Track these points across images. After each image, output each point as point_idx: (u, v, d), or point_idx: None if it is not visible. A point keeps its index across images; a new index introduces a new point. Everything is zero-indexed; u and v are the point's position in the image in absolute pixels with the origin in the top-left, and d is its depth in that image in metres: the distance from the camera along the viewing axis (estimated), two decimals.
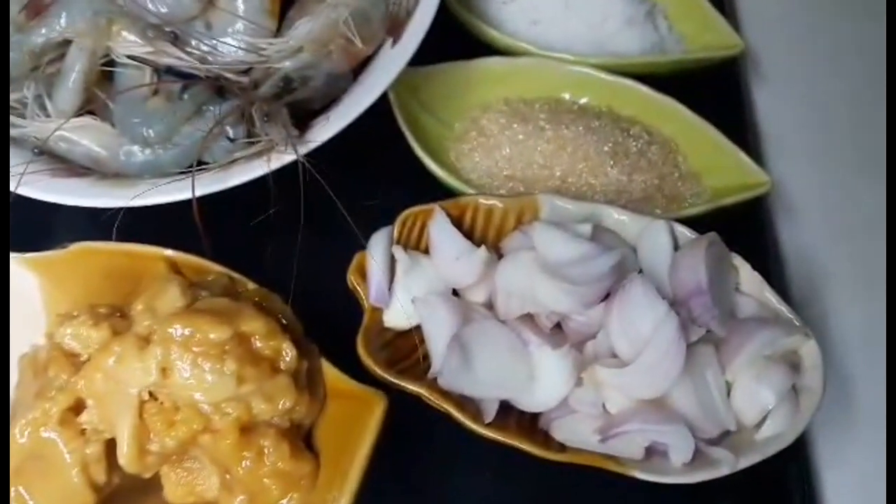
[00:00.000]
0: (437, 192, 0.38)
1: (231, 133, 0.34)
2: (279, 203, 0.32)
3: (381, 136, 0.39)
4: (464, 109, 0.42)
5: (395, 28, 0.36)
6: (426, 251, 0.35)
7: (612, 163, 0.38)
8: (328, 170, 0.33)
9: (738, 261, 0.34)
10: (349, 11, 0.35)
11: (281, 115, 0.33)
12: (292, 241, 0.33)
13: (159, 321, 0.29)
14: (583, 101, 0.42)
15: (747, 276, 0.34)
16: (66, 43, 0.35)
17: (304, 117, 0.36)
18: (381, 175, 0.40)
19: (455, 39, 0.42)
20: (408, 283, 0.34)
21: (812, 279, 0.38)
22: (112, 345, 0.29)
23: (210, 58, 0.35)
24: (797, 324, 0.32)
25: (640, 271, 0.33)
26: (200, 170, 0.33)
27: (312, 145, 0.33)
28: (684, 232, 0.34)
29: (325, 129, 0.33)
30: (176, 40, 0.35)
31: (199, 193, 0.32)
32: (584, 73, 0.41)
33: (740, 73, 0.43)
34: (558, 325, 0.32)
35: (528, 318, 0.32)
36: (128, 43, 0.35)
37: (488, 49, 0.43)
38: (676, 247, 0.34)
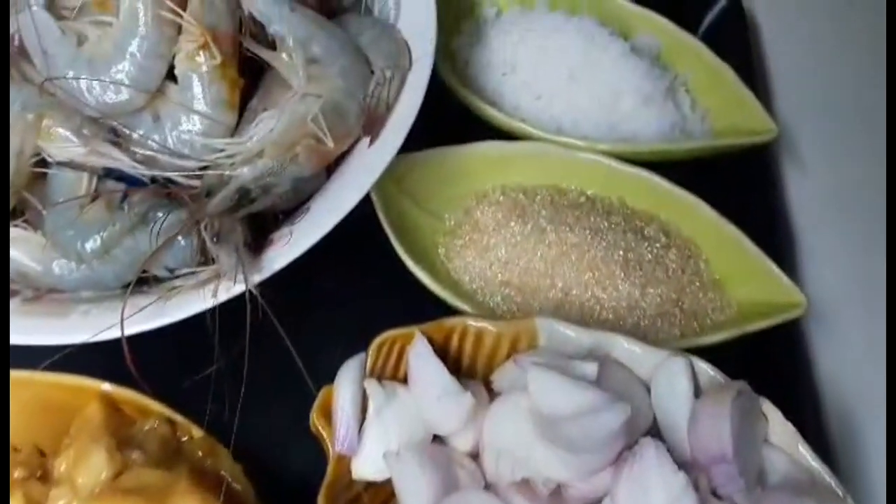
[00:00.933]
0: (423, 298, 0.33)
1: (184, 245, 0.30)
2: (227, 336, 0.28)
3: (359, 231, 0.34)
4: (456, 198, 0.37)
5: (372, 124, 0.31)
6: (405, 380, 0.31)
7: (623, 275, 0.33)
8: (290, 280, 0.28)
9: (769, 407, 0.29)
10: (320, 105, 0.30)
11: (234, 236, 0.28)
12: (245, 377, 0.28)
13: (79, 501, 0.24)
14: (591, 191, 0.37)
15: (779, 428, 0.28)
16: None
17: (267, 221, 0.31)
18: (356, 278, 0.35)
19: (448, 113, 0.37)
20: (382, 423, 0.29)
21: (853, 414, 0.33)
22: None
23: (158, 158, 0.30)
24: (838, 492, 0.27)
25: (654, 425, 0.28)
26: (137, 293, 0.29)
27: (266, 273, 0.28)
28: (706, 370, 0.29)
29: (283, 253, 0.28)
30: (117, 138, 0.30)
31: (130, 332, 0.27)
32: (592, 162, 0.36)
33: (772, 158, 0.38)
34: (557, 490, 0.27)
35: (523, 484, 0.27)
36: (61, 142, 0.30)
37: (485, 125, 0.38)
38: (697, 389, 0.29)
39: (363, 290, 0.34)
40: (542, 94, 0.38)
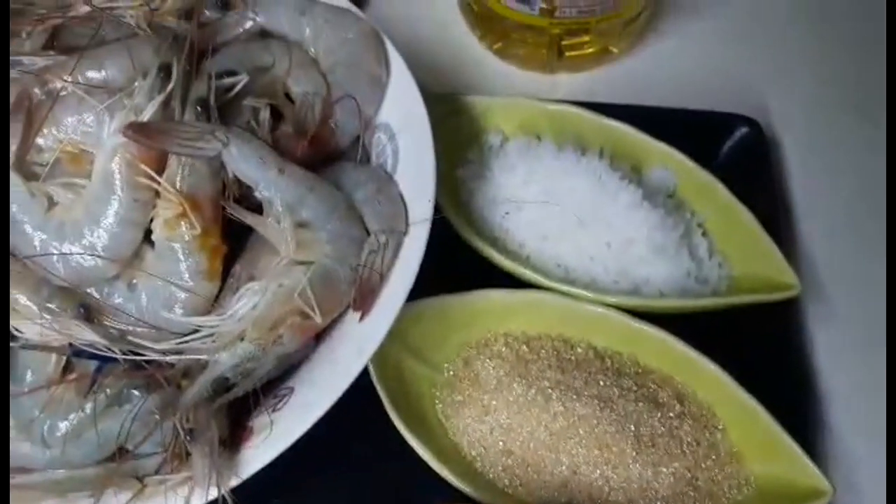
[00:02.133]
0: (418, 466, 0.31)
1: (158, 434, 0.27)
2: None
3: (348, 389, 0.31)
4: (456, 346, 0.35)
5: (364, 296, 0.29)
6: None
7: (634, 453, 0.30)
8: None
9: None
10: (309, 275, 0.28)
11: (208, 434, 0.26)
12: None
13: None
14: (600, 345, 0.34)
15: None
16: None
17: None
18: (344, 443, 0.32)
19: (450, 247, 0.35)
20: None
21: None
22: None
23: (131, 332, 0.28)
24: None
25: None
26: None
27: (243, 476, 0.26)
28: None
29: (261, 452, 0.26)
30: (88, 313, 0.28)
31: None
32: (601, 315, 0.33)
33: (797, 309, 0.35)
34: None
35: None
36: (27, 317, 0.28)
37: (488, 268, 0.35)
38: None
39: (353, 459, 0.32)
40: (548, 234, 0.36)
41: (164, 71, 0.29)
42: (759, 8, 0.47)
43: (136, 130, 0.27)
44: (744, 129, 0.40)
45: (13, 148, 0.29)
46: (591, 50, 0.44)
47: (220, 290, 0.29)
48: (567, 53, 0.44)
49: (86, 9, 0.34)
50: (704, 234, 0.36)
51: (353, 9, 0.35)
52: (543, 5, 0.41)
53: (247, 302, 0.28)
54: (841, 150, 0.42)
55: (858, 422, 0.34)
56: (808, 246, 0.38)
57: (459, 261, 0.35)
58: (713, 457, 0.32)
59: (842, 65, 0.45)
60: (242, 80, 0.31)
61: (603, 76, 0.45)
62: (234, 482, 0.25)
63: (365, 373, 0.31)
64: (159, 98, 0.28)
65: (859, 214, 0.39)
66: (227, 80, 0.30)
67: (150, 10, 0.34)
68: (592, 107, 0.39)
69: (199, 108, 0.29)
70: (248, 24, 0.35)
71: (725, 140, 0.40)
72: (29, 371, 0.28)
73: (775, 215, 0.37)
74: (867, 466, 0.32)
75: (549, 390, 0.32)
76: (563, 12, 0.41)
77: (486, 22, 0.45)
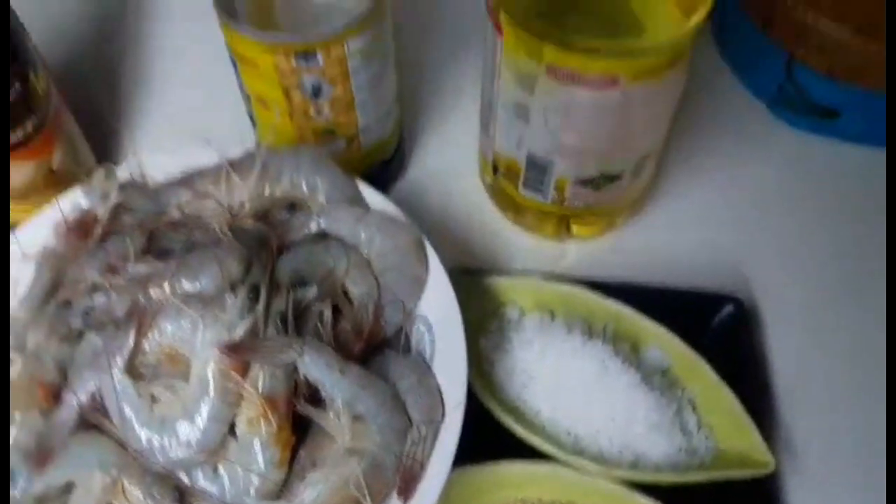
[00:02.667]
0: None
1: None
2: None
3: None
4: None
5: (406, 484, 0.35)
6: None
7: None
8: None
9: None
10: (363, 465, 0.34)
11: None
12: None
13: None
14: None
15: None
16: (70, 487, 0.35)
17: None
18: None
19: (471, 415, 0.41)
20: None
21: None
22: None
23: None
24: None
25: None
26: None
27: None
28: None
29: None
30: (181, 498, 0.34)
31: None
32: (608, 488, 0.39)
33: (776, 483, 0.41)
34: None
35: None
36: (132, 500, 0.34)
37: (505, 435, 0.41)
38: None
39: None
40: (559, 407, 0.42)
41: (252, 291, 0.35)
42: (746, 189, 0.54)
43: (230, 350, 0.33)
44: (729, 308, 0.46)
45: (125, 353, 0.35)
46: (595, 226, 0.51)
47: (289, 475, 0.35)
48: (574, 227, 0.51)
49: (178, 215, 0.42)
50: (694, 409, 0.42)
51: (402, 217, 0.42)
52: (554, 196, 0.48)
53: (311, 492, 0.34)
54: (822, 327, 0.48)
55: None
56: (787, 420, 0.44)
57: (482, 427, 0.41)
58: None
59: (825, 245, 0.51)
60: (312, 292, 0.37)
61: (606, 246, 0.52)
62: None
63: None
64: (249, 320, 0.34)
65: (837, 386, 0.45)
66: (300, 293, 0.37)
67: (231, 216, 0.42)
68: (596, 285, 0.46)
69: (279, 322, 0.35)
70: (313, 227, 0.42)
71: (712, 318, 0.46)
72: None
73: (757, 390, 0.43)
74: None
75: None
76: (572, 203, 0.48)
77: (503, 199, 0.52)
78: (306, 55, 0.43)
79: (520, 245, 0.52)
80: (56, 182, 0.50)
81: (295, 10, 0.45)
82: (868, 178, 0.54)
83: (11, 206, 0.49)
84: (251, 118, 0.50)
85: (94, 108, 0.58)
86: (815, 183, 0.54)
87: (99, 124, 0.56)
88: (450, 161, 0.56)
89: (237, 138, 0.53)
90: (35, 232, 0.43)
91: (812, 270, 0.50)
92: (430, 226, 0.43)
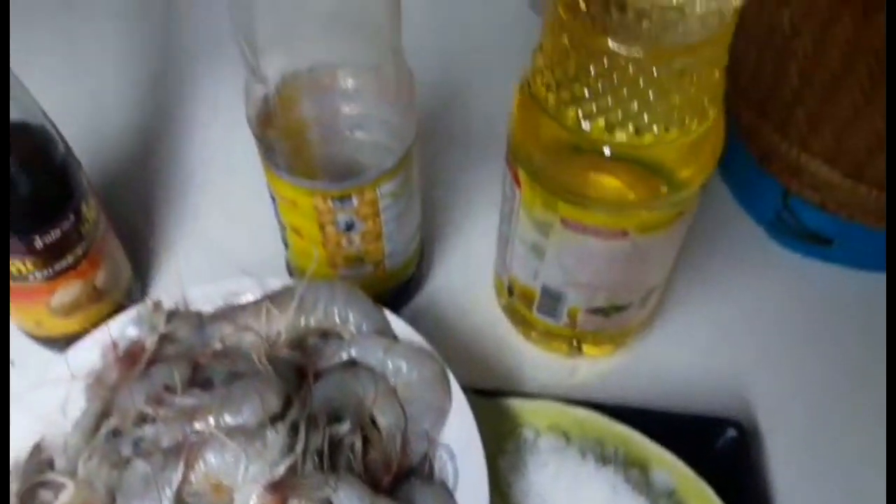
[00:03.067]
0: None
1: None
2: None
3: None
4: None
5: None
6: None
7: None
8: None
9: None
10: None
11: None
12: None
13: None
14: None
15: None
16: None
17: None
18: None
19: None
20: None
21: None
22: None
23: None
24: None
25: None
26: None
27: None
28: None
29: None
30: None
31: None
32: None
33: None
34: None
35: None
36: None
37: None
38: None
39: None
40: (547, 500, 0.44)
41: (292, 429, 0.38)
42: (746, 311, 0.58)
43: (273, 489, 0.36)
44: (731, 432, 0.49)
45: (174, 485, 0.38)
46: (605, 347, 0.55)
47: None
48: (585, 347, 0.54)
49: (220, 346, 0.45)
50: None
51: (427, 346, 0.45)
52: (567, 321, 0.51)
53: None
54: (823, 449, 0.51)
55: None
56: None
57: None
58: None
59: (824, 367, 0.55)
60: (346, 428, 0.40)
61: (614, 365, 0.55)
62: None
63: None
64: (290, 458, 0.37)
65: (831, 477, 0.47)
66: (335, 429, 0.40)
67: (269, 346, 0.45)
68: (607, 408, 0.49)
69: (316, 458, 0.38)
70: (343, 356, 0.45)
71: (715, 441, 0.49)
72: None
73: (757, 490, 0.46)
74: None
75: None
76: (583, 326, 0.51)
77: (517, 318, 0.55)
78: (342, 199, 0.47)
79: (532, 361, 0.55)
80: (98, 298, 0.54)
81: (330, 148, 0.49)
82: (864, 301, 0.58)
83: (56, 321, 0.53)
84: (284, 242, 0.54)
85: (131, 222, 0.62)
86: (813, 306, 0.58)
87: (134, 238, 0.60)
88: (465, 276, 0.60)
89: (269, 257, 0.57)
90: (83, 355, 0.47)
91: (812, 393, 0.53)
92: (445, 341, 0.46)
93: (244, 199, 0.61)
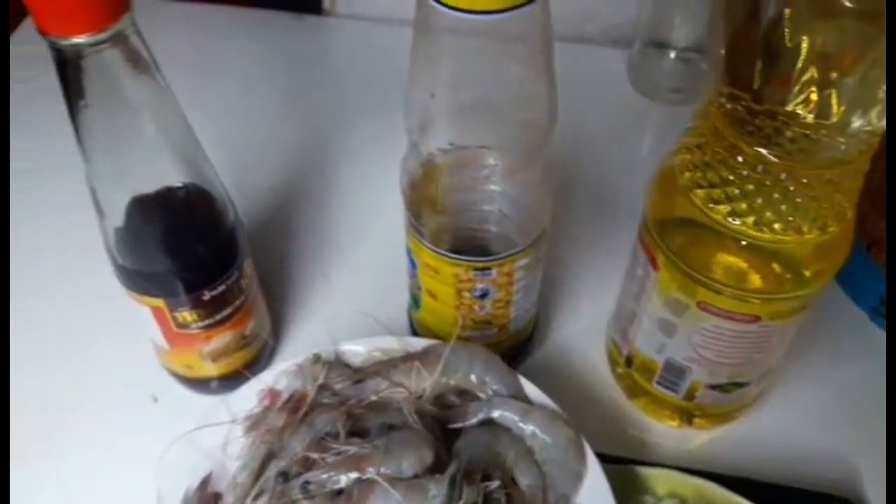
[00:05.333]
0: None
1: None
2: None
3: None
4: None
5: None
6: None
7: None
8: None
9: None
10: None
11: None
12: None
13: None
14: None
15: None
16: None
17: None
18: None
19: None
20: None
21: None
22: None
23: None
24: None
25: None
26: None
27: None
28: None
29: None
30: None
31: None
32: None
33: None
34: None
35: None
36: None
37: None
38: None
39: None
40: None
41: (450, 482, 0.42)
42: (852, 391, 0.60)
43: None
44: None
45: None
46: (716, 420, 0.57)
47: None
48: (696, 420, 0.57)
49: (374, 398, 0.49)
50: None
51: (562, 414, 0.49)
52: (686, 394, 0.54)
53: None
54: None
55: None
56: None
57: None
58: None
59: None
60: (496, 484, 0.44)
61: (725, 438, 0.58)
62: None
63: None
64: None
65: None
66: (487, 484, 0.44)
67: (416, 399, 0.49)
68: (722, 479, 0.52)
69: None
70: (482, 415, 0.49)
71: None
72: None
73: None
74: None
75: None
76: (701, 401, 0.54)
77: (633, 388, 0.59)
78: (483, 270, 0.51)
79: (646, 428, 0.58)
80: (244, 345, 0.59)
81: (462, 219, 0.53)
82: None
83: (205, 366, 0.58)
84: (416, 302, 0.59)
85: (267, 274, 0.67)
86: None
87: (268, 290, 0.66)
88: (578, 340, 0.63)
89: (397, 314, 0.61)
90: (244, 400, 0.51)
91: None
92: (560, 401, 0.50)
93: (374, 260, 0.67)
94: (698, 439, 0.58)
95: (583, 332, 0.64)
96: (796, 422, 0.58)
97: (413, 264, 0.56)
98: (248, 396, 0.52)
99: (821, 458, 0.56)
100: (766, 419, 0.59)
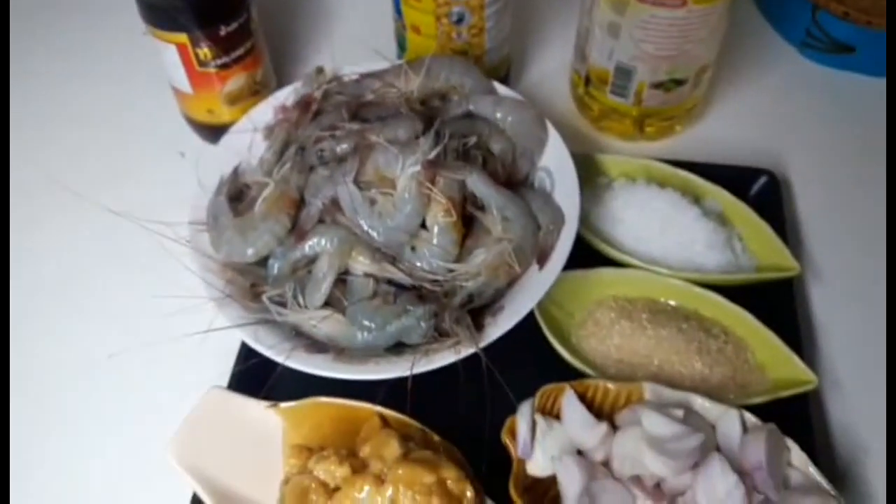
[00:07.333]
0: (565, 368, 0.52)
1: (424, 326, 0.49)
2: (462, 383, 0.47)
3: (524, 328, 0.53)
4: (583, 304, 0.56)
5: (542, 258, 0.51)
6: (559, 417, 0.49)
7: (697, 357, 0.52)
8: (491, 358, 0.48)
9: (790, 443, 0.46)
10: (512, 246, 0.51)
11: (465, 319, 0.48)
12: (464, 407, 0.47)
13: (388, 466, 0.43)
14: (674, 303, 0.56)
15: (797, 455, 0.46)
16: (316, 257, 0.52)
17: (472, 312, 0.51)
18: (523, 355, 0.54)
19: (579, 247, 0.57)
20: (545, 442, 0.48)
21: (852, 453, 0.50)
22: (357, 480, 0.43)
23: (415, 273, 0.51)
24: (832, 493, 0.44)
25: (718, 448, 0.46)
26: (415, 354, 0.48)
27: (488, 341, 0.48)
28: (751, 418, 0.47)
29: (494, 331, 0.48)
30: (393, 262, 0.51)
31: (412, 372, 0.47)
32: (675, 284, 0.55)
33: (802, 283, 0.57)
34: (658, 485, 0.45)
35: (637, 478, 0.45)
36: (360, 263, 0.51)
37: (603, 256, 0.57)
38: (745, 429, 0.47)
39: (527, 361, 0.53)
40: (641, 238, 0.58)
41: (435, 135, 0.52)
42: (780, 108, 0.70)
43: (430, 165, 0.50)
44: (764, 178, 0.62)
45: (352, 174, 0.52)
46: (662, 128, 0.68)
47: (459, 254, 0.52)
48: (646, 129, 0.67)
49: (372, 97, 0.59)
50: (740, 239, 0.58)
51: (528, 102, 0.59)
52: (634, 99, 0.64)
53: (479, 258, 0.50)
54: (835, 186, 0.64)
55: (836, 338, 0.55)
56: (810, 243, 0.60)
57: (586, 253, 0.57)
58: (746, 367, 0.52)
59: (843, 141, 0.68)
60: (473, 140, 0.54)
61: (669, 144, 0.68)
62: (483, 343, 0.47)
63: (531, 315, 0.52)
64: (437, 149, 0.51)
65: (849, 217, 0.61)
66: (466, 139, 0.54)
67: (406, 98, 0.59)
68: (668, 162, 0.62)
69: (455, 153, 0.52)
70: (462, 109, 0.59)
71: (753, 185, 0.62)
72: (357, 293, 0.51)
73: (785, 226, 0.59)
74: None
75: (645, 323, 0.54)
76: (647, 103, 0.64)
77: (590, 109, 0.68)
78: None
79: (603, 144, 0.69)
80: (256, 91, 0.68)
81: None
82: (880, 102, 0.70)
83: (224, 110, 0.67)
84: (401, 46, 0.68)
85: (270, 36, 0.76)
86: (837, 107, 0.70)
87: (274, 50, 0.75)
88: (544, 81, 0.73)
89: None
90: (263, 113, 0.61)
91: (831, 156, 0.66)
92: None
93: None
94: (647, 151, 0.68)
95: (550, 74, 0.73)
96: (731, 132, 0.69)
97: (397, 5, 0.64)
98: (265, 111, 0.61)
99: (751, 149, 0.67)
100: (704, 132, 0.69)
